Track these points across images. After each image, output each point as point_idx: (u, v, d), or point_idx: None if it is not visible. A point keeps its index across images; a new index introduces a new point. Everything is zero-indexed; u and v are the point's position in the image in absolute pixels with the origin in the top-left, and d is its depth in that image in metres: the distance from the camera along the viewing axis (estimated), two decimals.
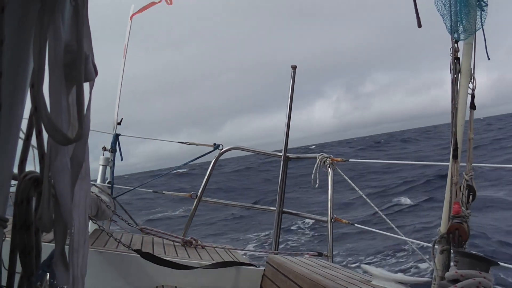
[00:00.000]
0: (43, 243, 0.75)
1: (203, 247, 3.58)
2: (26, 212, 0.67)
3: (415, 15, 2.16)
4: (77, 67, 0.63)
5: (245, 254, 4.36)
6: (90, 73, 0.67)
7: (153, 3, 5.45)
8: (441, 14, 2.22)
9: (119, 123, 5.54)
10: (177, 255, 3.23)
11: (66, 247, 0.66)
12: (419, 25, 2.19)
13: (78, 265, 0.67)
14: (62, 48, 0.68)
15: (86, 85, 0.75)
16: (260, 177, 30.03)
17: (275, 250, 4.43)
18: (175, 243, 3.67)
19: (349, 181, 3.91)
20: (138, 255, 2.99)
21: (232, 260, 3.32)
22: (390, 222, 3.48)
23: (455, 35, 2.17)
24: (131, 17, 5.89)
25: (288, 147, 4.64)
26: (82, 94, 0.64)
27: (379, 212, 3.72)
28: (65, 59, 0.68)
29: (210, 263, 3.13)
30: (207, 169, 4.60)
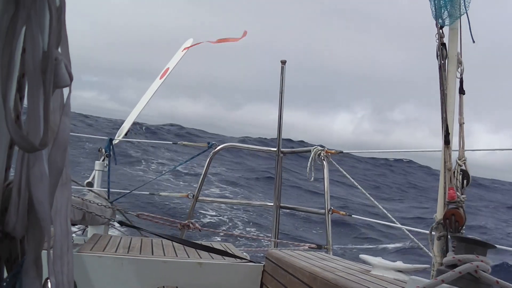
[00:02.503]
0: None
1: (200, 230, 3.61)
2: None
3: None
4: (47, 71, 0.63)
5: (244, 250, 4.36)
6: (63, 79, 0.67)
7: (229, 40, 5.22)
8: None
9: (126, 134, 5.62)
10: (177, 255, 3.23)
11: (45, 255, 0.66)
12: None
13: (64, 273, 0.66)
14: (39, 55, 0.67)
15: (65, 91, 0.74)
16: None
17: (274, 245, 4.44)
18: (174, 243, 3.67)
19: (344, 173, 3.92)
20: (138, 258, 2.99)
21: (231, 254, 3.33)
22: (386, 212, 3.49)
23: (440, 21, 2.17)
24: (184, 49, 5.94)
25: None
26: (49, 100, 0.63)
27: (375, 202, 3.73)
28: (43, 66, 0.67)
29: (212, 260, 3.14)
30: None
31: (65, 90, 0.73)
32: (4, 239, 0.68)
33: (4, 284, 0.63)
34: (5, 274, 0.71)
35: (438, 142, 2.31)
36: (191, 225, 3.63)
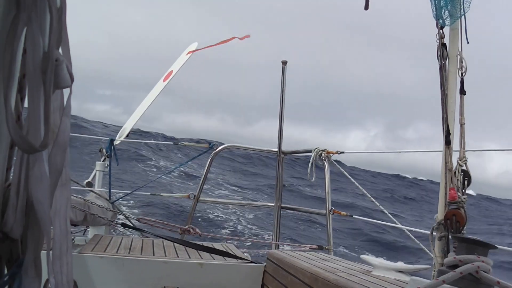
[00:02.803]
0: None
1: (200, 235, 3.60)
2: None
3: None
4: (47, 72, 0.63)
5: (245, 251, 4.36)
6: (64, 80, 0.67)
7: (226, 41, 5.27)
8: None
9: (127, 135, 5.64)
10: (178, 256, 3.23)
11: (44, 255, 0.66)
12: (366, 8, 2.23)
13: (63, 273, 0.66)
14: (40, 56, 0.67)
15: (66, 92, 0.74)
16: None
17: (275, 246, 4.44)
18: (175, 244, 3.67)
19: (345, 173, 3.91)
20: (139, 258, 2.99)
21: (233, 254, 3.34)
22: (387, 212, 3.49)
23: (440, 21, 2.17)
24: (189, 52, 5.93)
25: None
26: (49, 101, 0.64)
27: (375, 202, 3.72)
28: (43, 66, 0.67)
29: (214, 260, 3.14)
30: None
31: (66, 91, 0.73)
32: (5, 239, 0.69)
33: (2, 283, 0.63)
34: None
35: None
36: (191, 230, 3.63)
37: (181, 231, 3.60)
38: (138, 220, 3.73)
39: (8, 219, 0.63)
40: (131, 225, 3.69)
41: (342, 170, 3.93)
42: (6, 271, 0.70)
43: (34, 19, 0.68)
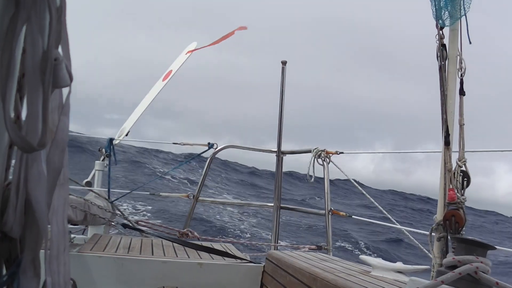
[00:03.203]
0: None
1: (199, 238, 3.59)
2: None
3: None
4: (46, 72, 0.63)
5: (244, 251, 4.36)
6: (63, 79, 0.67)
7: (230, 34, 5.19)
8: (430, 0, 2.22)
9: (126, 134, 5.63)
10: (177, 256, 3.23)
11: (42, 255, 0.65)
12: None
13: (60, 273, 0.66)
14: (39, 55, 0.67)
15: (64, 91, 0.74)
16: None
17: (274, 247, 4.44)
18: (174, 244, 3.67)
19: (344, 174, 3.92)
20: (138, 258, 2.99)
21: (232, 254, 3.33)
22: (386, 213, 3.49)
23: (440, 21, 2.17)
24: (188, 52, 5.91)
25: None
26: (47, 100, 0.63)
27: (375, 203, 3.73)
28: (43, 66, 0.67)
29: (212, 260, 3.14)
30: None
31: (65, 90, 0.73)
32: (3, 238, 0.68)
33: (1, 283, 0.63)
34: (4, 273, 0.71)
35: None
36: (189, 233, 3.61)
37: (180, 234, 3.59)
38: (137, 223, 3.73)
39: (8, 218, 0.62)
40: (132, 225, 3.68)
41: (342, 171, 3.93)
42: (4, 271, 0.70)
43: (34, 18, 0.68)
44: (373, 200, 3.78)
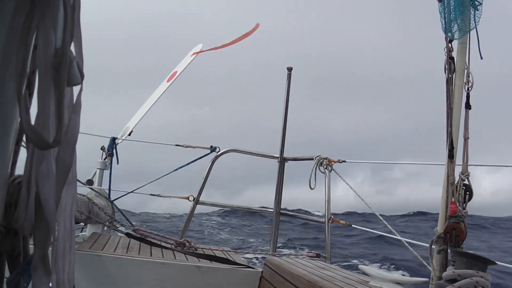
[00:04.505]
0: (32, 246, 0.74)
1: (196, 249, 3.55)
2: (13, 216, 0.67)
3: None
4: (61, 70, 0.63)
5: (243, 256, 4.35)
6: (75, 77, 0.67)
7: (234, 41, 5.12)
8: (440, 12, 2.22)
9: (129, 134, 5.64)
10: (175, 258, 3.22)
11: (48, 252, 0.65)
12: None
13: (65, 271, 0.66)
14: (51, 52, 0.67)
15: (75, 89, 0.74)
16: None
17: (273, 251, 4.43)
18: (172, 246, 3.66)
19: (346, 182, 3.91)
20: (137, 259, 2.98)
21: (230, 260, 3.32)
22: (386, 223, 3.48)
23: (449, 34, 2.17)
24: (194, 53, 5.90)
25: None
26: (62, 98, 0.63)
27: (376, 213, 3.72)
28: (54, 63, 0.67)
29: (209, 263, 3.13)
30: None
31: (76, 89, 0.73)
32: (7, 234, 0.68)
33: (12, 280, 0.63)
34: (6, 269, 0.71)
35: (438, 192, 2.30)
36: (186, 243, 3.54)
37: (176, 244, 3.54)
38: (134, 231, 3.69)
39: (19, 215, 0.62)
40: (136, 235, 3.65)
41: (343, 179, 3.93)
42: (7, 267, 0.70)
43: (48, 15, 0.68)
44: (376, 213, 3.77)
